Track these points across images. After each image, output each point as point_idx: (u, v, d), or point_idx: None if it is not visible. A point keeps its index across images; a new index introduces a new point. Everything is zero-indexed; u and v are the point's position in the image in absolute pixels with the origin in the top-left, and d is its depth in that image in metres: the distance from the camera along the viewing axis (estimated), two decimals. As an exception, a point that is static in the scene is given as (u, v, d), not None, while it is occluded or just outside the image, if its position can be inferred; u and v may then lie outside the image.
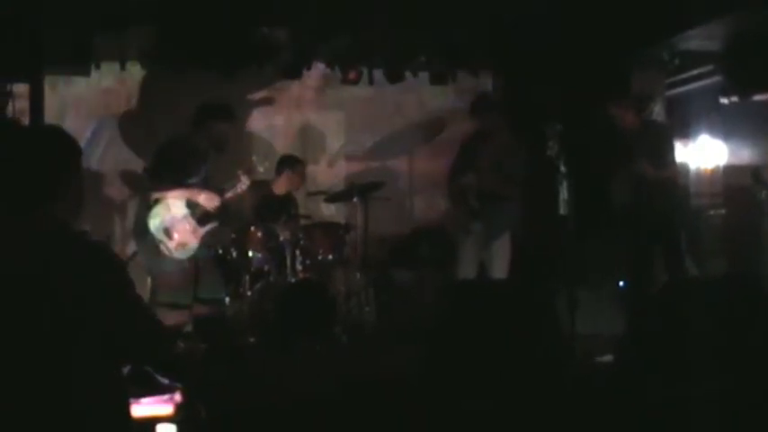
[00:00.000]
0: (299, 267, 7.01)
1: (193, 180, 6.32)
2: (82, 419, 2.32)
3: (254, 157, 7.58)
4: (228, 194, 6.50)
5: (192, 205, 6.27)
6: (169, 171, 6.22)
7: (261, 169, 7.26)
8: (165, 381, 2.71)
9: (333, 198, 8.08)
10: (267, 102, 8.97)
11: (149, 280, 6.44)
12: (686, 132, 9.11)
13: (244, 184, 6.57)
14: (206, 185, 6.39)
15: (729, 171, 8.84)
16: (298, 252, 7.04)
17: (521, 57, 8.48)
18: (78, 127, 8.03)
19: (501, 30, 8.15)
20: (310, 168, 8.38)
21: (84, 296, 2.33)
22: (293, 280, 6.91)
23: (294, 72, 8.43)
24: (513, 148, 6.89)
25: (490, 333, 4.60)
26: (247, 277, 6.96)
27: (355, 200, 7.60)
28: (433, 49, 8.49)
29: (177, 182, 6.23)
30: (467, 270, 6.83)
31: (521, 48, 8.32)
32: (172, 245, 6.18)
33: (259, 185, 7.29)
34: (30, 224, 2.39)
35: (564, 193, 8.08)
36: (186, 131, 6.40)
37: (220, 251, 6.92)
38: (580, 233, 6.23)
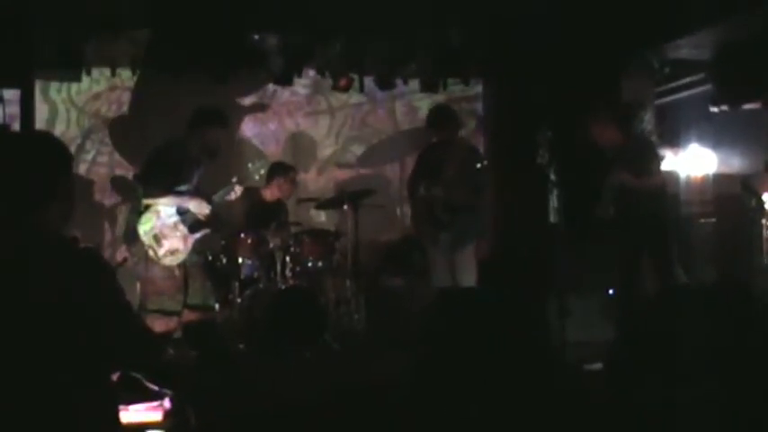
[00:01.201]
0: (288, 274, 7.00)
1: (184, 187, 6.31)
2: (73, 425, 2.31)
3: (249, 165, 7.57)
4: (220, 200, 6.50)
5: (182, 212, 6.26)
6: (161, 177, 6.21)
7: (256, 177, 7.23)
8: (155, 387, 2.70)
9: (323, 205, 8.07)
10: (259, 108, 8.97)
11: (138, 286, 6.42)
12: (676, 141, 9.13)
13: (236, 193, 6.58)
14: (197, 192, 6.38)
15: (719, 179, 8.87)
16: (288, 259, 7.03)
17: (512, 65, 8.50)
18: (68, 132, 8.04)
19: (492, 38, 8.17)
20: (301, 175, 8.37)
21: (79, 300, 2.33)
22: (283, 287, 6.89)
23: (285, 79, 8.43)
24: (475, 159, 6.93)
25: (479, 341, 4.61)
26: (237, 284, 6.95)
27: (346, 207, 7.60)
28: (423, 57, 8.50)
29: (168, 188, 6.22)
30: (440, 279, 6.86)
31: (512, 56, 8.34)
32: (161, 251, 6.17)
33: (249, 192, 7.29)
34: (21, 227, 2.39)
35: (554, 201, 8.11)
36: (179, 137, 6.38)
37: (210, 258, 6.90)
38: (570, 241, 6.23)
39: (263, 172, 7.61)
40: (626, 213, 6.67)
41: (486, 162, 7.07)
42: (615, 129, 6.64)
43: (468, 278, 6.78)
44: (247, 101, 8.94)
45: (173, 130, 6.69)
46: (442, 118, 7.06)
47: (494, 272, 6.96)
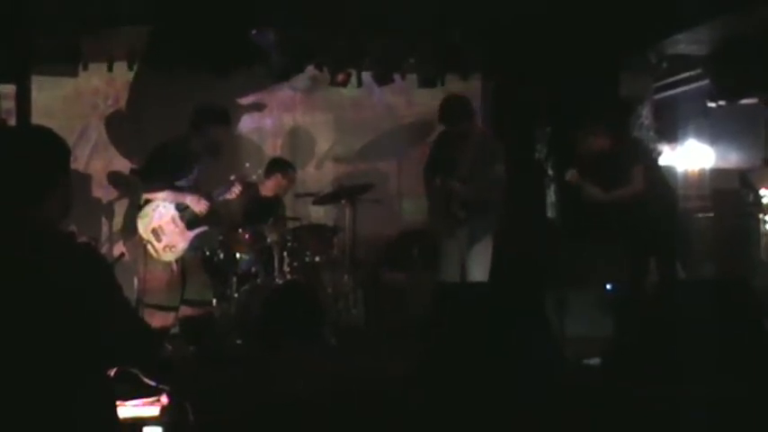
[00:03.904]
0: (286, 269, 7.00)
1: (184, 183, 6.31)
2: (70, 421, 2.31)
3: (247, 164, 7.54)
4: (219, 198, 6.50)
5: (181, 207, 6.26)
6: (161, 173, 6.21)
7: (254, 177, 7.22)
8: (152, 383, 2.70)
9: (321, 200, 8.06)
10: (258, 107, 8.96)
11: (136, 281, 6.42)
12: (674, 136, 9.14)
13: (236, 190, 6.58)
14: (196, 188, 6.39)
15: (717, 174, 8.88)
16: (285, 254, 7.02)
17: (510, 61, 8.49)
18: (66, 128, 7.99)
19: (491, 34, 8.16)
20: (299, 171, 8.35)
21: (74, 297, 2.32)
22: (280, 282, 6.89)
23: (285, 76, 8.42)
24: (494, 152, 6.75)
25: (480, 335, 4.61)
26: (234, 279, 6.95)
27: (343, 202, 7.60)
28: (422, 52, 8.49)
29: (168, 184, 6.22)
30: (450, 273, 6.76)
31: (510, 51, 8.33)
32: (160, 246, 6.17)
33: (247, 187, 7.28)
34: (20, 223, 2.38)
35: (552, 197, 8.10)
36: (182, 134, 6.38)
37: (207, 253, 6.90)
38: (568, 235, 6.23)
39: (260, 172, 7.59)
40: (606, 224, 6.65)
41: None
42: (603, 137, 6.58)
43: (482, 273, 6.67)
44: (248, 99, 8.92)
45: (171, 126, 6.68)
46: (456, 110, 6.69)
47: (499, 267, 6.89)
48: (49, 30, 7.26)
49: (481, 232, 6.69)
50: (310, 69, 8.64)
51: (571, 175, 6.54)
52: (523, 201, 8.01)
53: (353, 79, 8.65)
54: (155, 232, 6.19)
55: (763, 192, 7.90)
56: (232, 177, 6.64)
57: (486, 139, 6.94)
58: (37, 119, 7.76)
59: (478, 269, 6.65)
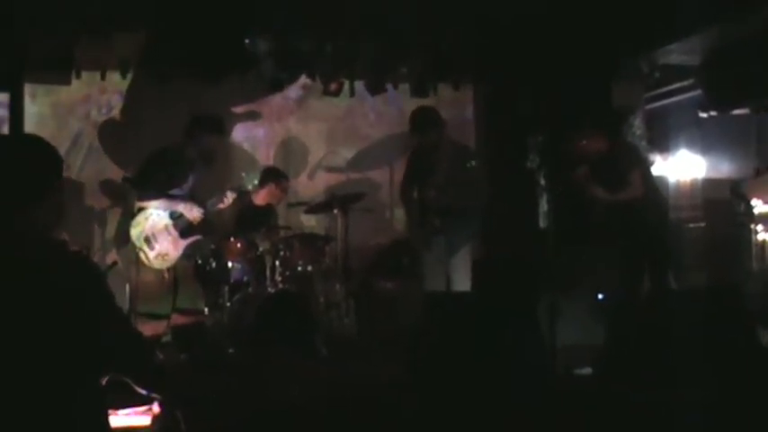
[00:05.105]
0: (278, 278, 6.98)
1: (177, 191, 6.31)
2: (70, 421, 2.31)
3: (243, 174, 7.52)
4: (212, 207, 6.50)
5: (175, 216, 6.26)
6: (155, 181, 6.22)
7: (249, 187, 7.25)
8: (143, 391, 2.69)
9: (313, 209, 8.05)
10: (251, 116, 8.96)
11: (128, 289, 6.41)
12: (665, 146, 9.16)
13: (228, 200, 6.58)
14: (190, 197, 6.39)
15: (708, 184, 8.90)
16: (277, 263, 7.01)
17: (503, 70, 8.50)
18: (58, 136, 8.00)
19: (483, 43, 8.18)
20: (291, 180, 8.35)
21: (74, 297, 2.32)
22: (272, 291, 6.88)
23: (277, 85, 8.42)
24: (465, 158, 6.78)
25: (468, 344, 4.62)
26: (226, 288, 6.92)
27: (336, 211, 7.59)
28: (414, 60, 8.50)
29: (162, 192, 6.23)
30: (435, 283, 6.77)
31: (503, 61, 8.34)
32: (152, 255, 6.17)
33: (240, 196, 7.27)
34: (20, 224, 2.38)
35: (544, 206, 8.11)
36: (177, 142, 6.39)
37: (200, 261, 6.88)
38: (559, 245, 6.23)
39: (255, 182, 7.59)
40: (608, 226, 6.67)
41: (474, 162, 6.87)
42: (600, 139, 6.62)
43: (463, 281, 6.69)
44: (241, 108, 8.92)
45: (164, 134, 6.68)
46: (424, 121, 6.78)
47: (485, 275, 6.91)
48: (40, 37, 7.24)
49: (460, 240, 6.73)
50: (303, 79, 8.66)
51: (581, 171, 6.54)
52: (515, 209, 8.03)
53: (346, 88, 8.67)
54: (147, 240, 6.18)
55: (754, 202, 7.93)
56: (228, 191, 6.67)
57: (458, 148, 6.98)
58: (29, 127, 7.75)
59: (462, 278, 6.68)
